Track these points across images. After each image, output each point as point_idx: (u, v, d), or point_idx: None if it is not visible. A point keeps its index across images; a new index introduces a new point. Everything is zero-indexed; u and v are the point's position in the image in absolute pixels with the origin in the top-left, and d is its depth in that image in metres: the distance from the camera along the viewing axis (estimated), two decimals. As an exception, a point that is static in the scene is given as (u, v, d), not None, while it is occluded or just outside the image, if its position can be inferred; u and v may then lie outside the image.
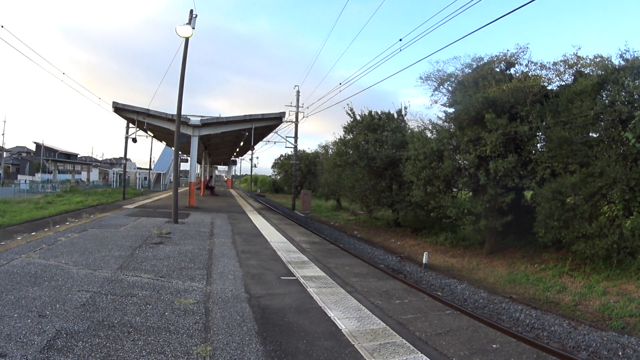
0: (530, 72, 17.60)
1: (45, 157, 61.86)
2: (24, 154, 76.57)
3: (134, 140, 27.84)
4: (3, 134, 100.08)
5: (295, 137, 38.78)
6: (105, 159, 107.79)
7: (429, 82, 20.57)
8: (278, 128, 30.78)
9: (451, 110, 19.88)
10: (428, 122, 23.09)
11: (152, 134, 32.88)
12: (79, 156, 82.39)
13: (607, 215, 13.58)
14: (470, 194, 19.25)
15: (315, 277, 8.42)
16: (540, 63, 17.60)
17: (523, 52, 18.32)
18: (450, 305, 9.63)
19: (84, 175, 67.27)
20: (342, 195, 35.08)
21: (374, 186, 25.26)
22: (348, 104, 30.00)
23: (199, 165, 53.25)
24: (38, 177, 52.69)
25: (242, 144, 36.91)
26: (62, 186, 42.37)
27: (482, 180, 16.14)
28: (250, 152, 55.93)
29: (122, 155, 34.61)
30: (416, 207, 21.40)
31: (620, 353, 8.80)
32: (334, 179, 31.96)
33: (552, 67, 17.15)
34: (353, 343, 5.01)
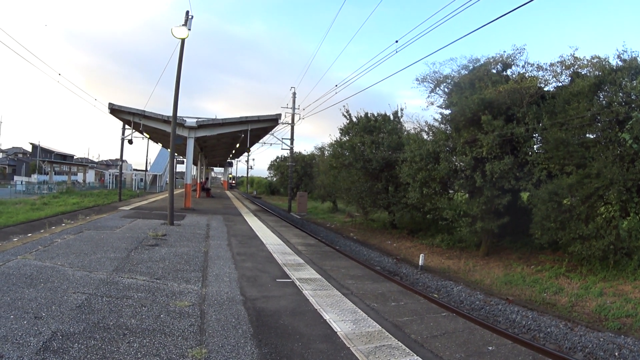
0: (527, 74, 17.56)
1: (41, 158, 61.54)
2: (20, 155, 76.18)
3: (130, 141, 27.59)
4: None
5: (291, 139, 38.72)
6: (102, 161, 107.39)
7: (425, 83, 20.65)
8: (274, 130, 30.78)
9: (447, 111, 19.89)
10: (424, 123, 23.16)
11: (148, 136, 32.78)
12: (75, 157, 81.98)
13: (603, 216, 13.65)
14: (467, 195, 19.25)
15: (310, 280, 8.42)
16: (537, 64, 17.61)
17: (520, 53, 18.36)
18: (446, 307, 9.65)
19: (80, 177, 66.87)
20: (338, 197, 35.07)
21: (370, 188, 25.24)
22: (344, 106, 29.94)
23: (194, 166, 53.17)
24: (34, 178, 52.28)
25: (238, 145, 36.87)
26: (58, 187, 42.09)
27: (478, 182, 16.13)
28: (246, 153, 55.96)
29: (118, 157, 34.45)
30: (412, 209, 21.35)
31: (616, 353, 8.83)
32: (330, 180, 31.95)
33: (548, 68, 17.16)
34: (349, 346, 5.02)
